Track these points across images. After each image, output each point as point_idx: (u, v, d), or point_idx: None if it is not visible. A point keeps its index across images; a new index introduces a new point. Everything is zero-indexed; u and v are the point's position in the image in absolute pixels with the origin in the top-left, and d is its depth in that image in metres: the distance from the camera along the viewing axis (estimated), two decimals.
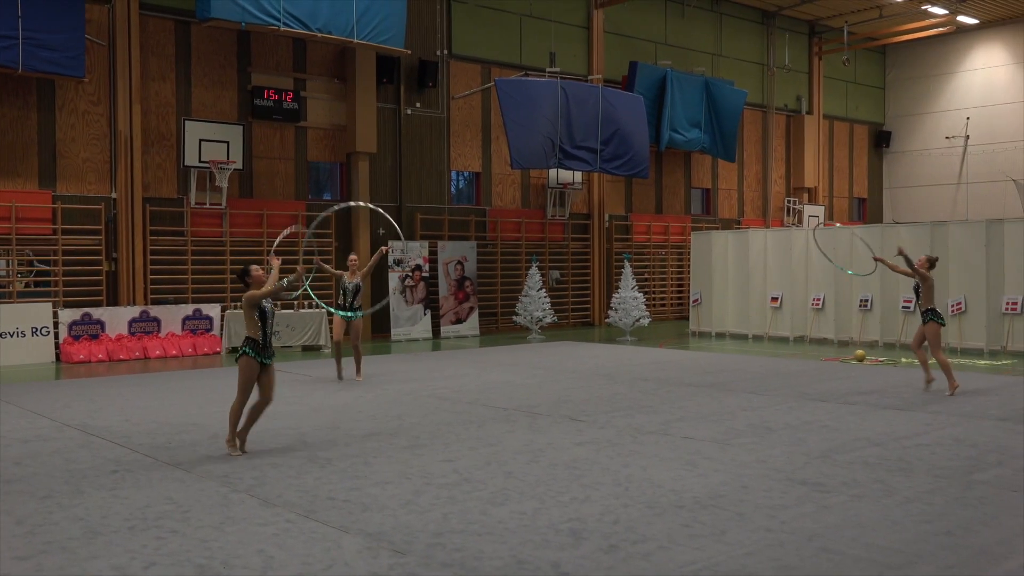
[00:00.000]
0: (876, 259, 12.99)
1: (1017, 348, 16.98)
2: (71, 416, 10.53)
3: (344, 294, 13.43)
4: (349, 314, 13.33)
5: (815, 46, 31.01)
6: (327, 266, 14.28)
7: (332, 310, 13.45)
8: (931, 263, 12.11)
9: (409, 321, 20.75)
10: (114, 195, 17.68)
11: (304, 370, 14.97)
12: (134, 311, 17.33)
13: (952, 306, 17.67)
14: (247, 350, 8.48)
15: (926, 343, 11.90)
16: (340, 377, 13.57)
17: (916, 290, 12.05)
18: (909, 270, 11.94)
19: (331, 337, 14.12)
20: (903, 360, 16.19)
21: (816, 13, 29.80)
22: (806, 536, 5.76)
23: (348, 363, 14.06)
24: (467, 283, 21.66)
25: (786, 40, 29.85)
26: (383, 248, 13.26)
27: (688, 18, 27.12)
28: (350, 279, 13.39)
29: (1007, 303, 17.13)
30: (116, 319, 17.11)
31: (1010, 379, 13.55)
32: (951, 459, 7.95)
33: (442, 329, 21.23)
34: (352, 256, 13.76)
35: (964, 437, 8.95)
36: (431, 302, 21.21)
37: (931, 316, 11.75)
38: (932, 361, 12.20)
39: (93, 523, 6.18)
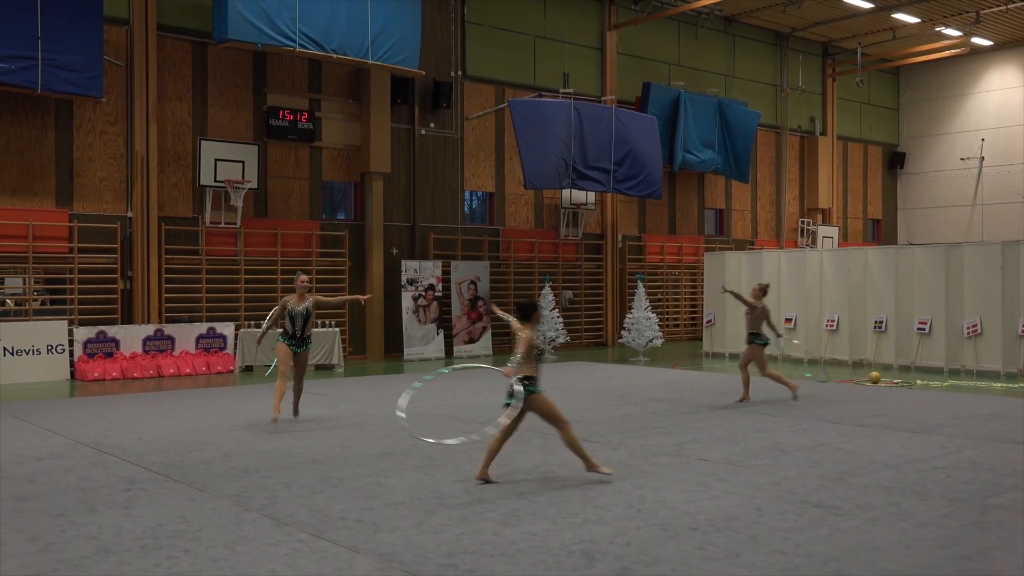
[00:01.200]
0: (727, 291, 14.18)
1: None
2: (85, 434, 10.53)
3: (292, 321, 11.24)
4: (299, 348, 11.30)
5: (828, 67, 31.01)
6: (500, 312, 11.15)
7: (280, 339, 11.27)
8: (763, 291, 13.40)
9: (422, 340, 20.74)
10: (130, 214, 17.77)
11: (316, 389, 14.88)
12: (148, 329, 17.36)
13: (968, 328, 17.53)
14: (535, 388, 7.84)
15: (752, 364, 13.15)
16: (275, 418, 11.14)
17: (747, 315, 13.23)
18: (744, 302, 13.28)
19: (278, 368, 11.31)
20: (918, 382, 16.07)
21: (829, 35, 29.83)
22: (820, 560, 5.71)
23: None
24: (480, 303, 21.64)
25: (799, 61, 29.87)
26: (364, 297, 11.97)
27: (701, 40, 27.17)
28: (298, 303, 11.26)
29: None
30: (131, 337, 17.14)
31: None
32: (967, 483, 7.87)
33: (455, 349, 21.22)
34: (302, 276, 11.50)
35: (981, 460, 8.85)
36: (444, 322, 21.21)
37: (752, 339, 13.05)
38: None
39: (106, 542, 6.16)
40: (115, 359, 16.86)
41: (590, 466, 8.02)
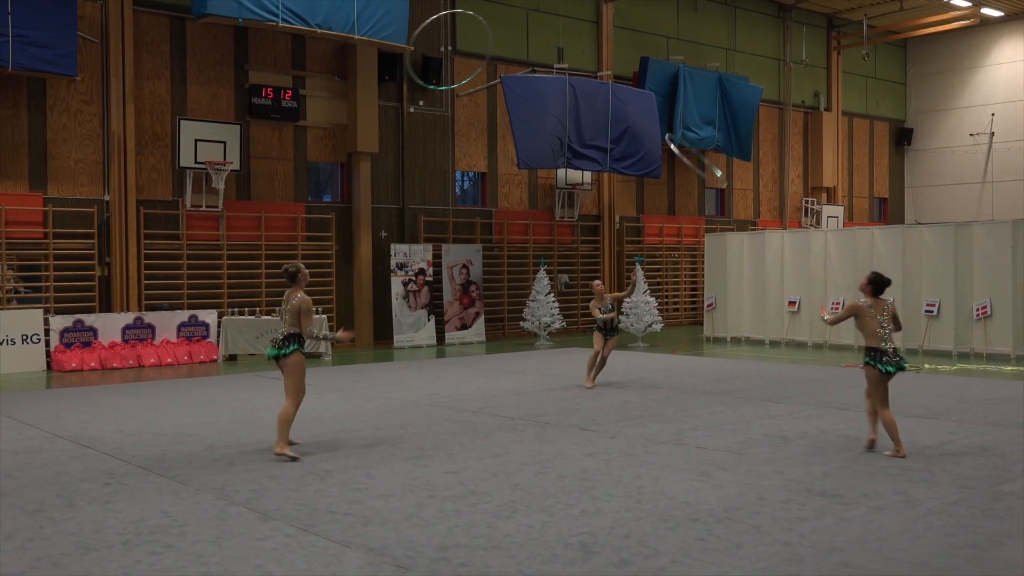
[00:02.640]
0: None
1: None
2: (62, 427, 10.37)
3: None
4: (276, 351, 8.71)
5: (833, 40, 30.44)
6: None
7: (302, 349, 8.71)
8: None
9: (412, 327, 20.28)
10: (107, 197, 17.30)
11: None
12: (128, 317, 16.98)
13: (977, 310, 17.20)
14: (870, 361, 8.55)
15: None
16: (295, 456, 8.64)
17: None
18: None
19: (299, 391, 8.81)
20: (926, 366, 15.85)
21: (834, 6, 29.22)
22: (825, 550, 5.69)
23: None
24: (472, 287, 21.21)
25: (803, 34, 29.26)
26: (349, 335, 9.03)
27: (701, 11, 26.60)
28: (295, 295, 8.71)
29: None
30: (109, 326, 16.75)
31: None
32: (977, 469, 7.84)
33: (447, 335, 20.80)
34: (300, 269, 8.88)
35: (991, 446, 8.83)
36: (435, 307, 20.76)
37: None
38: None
39: (85, 538, 6.09)
40: (93, 349, 16.52)
41: (896, 450, 8.38)
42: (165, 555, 5.70)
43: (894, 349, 8.46)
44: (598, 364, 13.20)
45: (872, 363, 8.44)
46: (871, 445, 8.64)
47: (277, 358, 8.63)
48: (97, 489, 7.42)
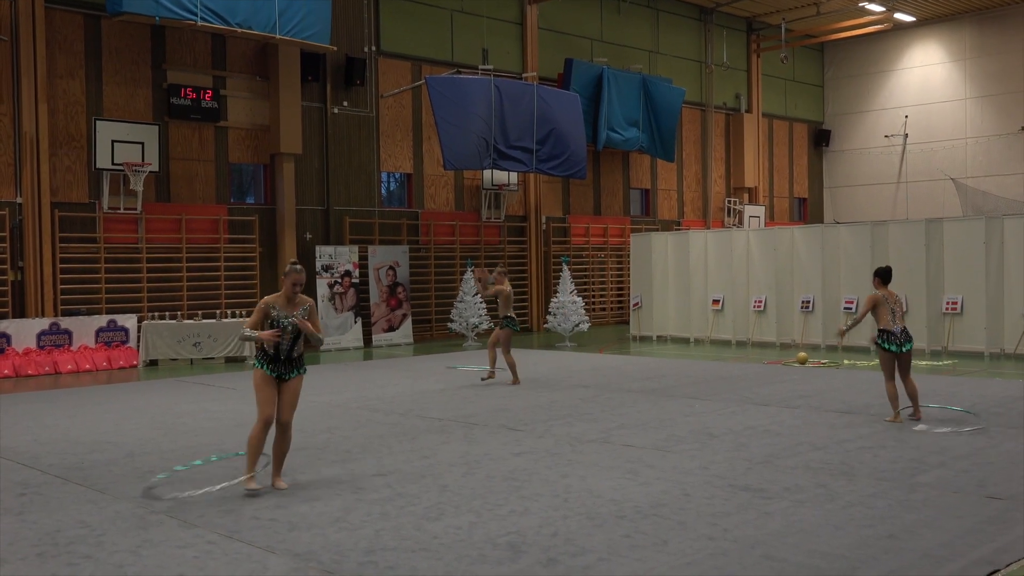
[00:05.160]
0: (489, 292, 14.15)
1: (958, 348, 16.85)
2: None
3: (282, 333, 7.45)
4: (288, 374, 7.51)
5: (753, 43, 30.89)
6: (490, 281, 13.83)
7: (258, 363, 7.46)
8: (504, 275, 14.08)
9: (339, 330, 20.00)
10: (19, 200, 16.72)
11: (227, 382, 14.43)
12: (43, 323, 16.43)
13: None
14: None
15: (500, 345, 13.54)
16: (254, 489, 7.30)
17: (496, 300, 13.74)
18: (488, 291, 13.89)
19: (258, 409, 7.59)
20: (845, 362, 16.09)
21: (753, 10, 29.65)
22: (748, 544, 5.73)
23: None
24: (399, 289, 20.99)
25: (724, 37, 29.66)
26: (273, 335, 7.31)
27: (624, 14, 26.75)
28: (288, 309, 7.46)
29: (947, 303, 16.99)
30: (23, 332, 16.18)
31: (951, 379, 13.55)
32: (893, 462, 7.96)
33: (374, 338, 20.54)
34: (298, 268, 7.61)
35: (906, 439, 8.95)
36: (362, 309, 20.49)
37: (506, 323, 13.44)
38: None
39: None
40: (6, 356, 15.94)
41: (894, 417, 9.74)
42: (83, 565, 5.52)
43: (902, 330, 9.78)
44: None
45: (880, 343, 9.75)
46: (906, 415, 9.88)
47: None
48: (11, 500, 7.17)
